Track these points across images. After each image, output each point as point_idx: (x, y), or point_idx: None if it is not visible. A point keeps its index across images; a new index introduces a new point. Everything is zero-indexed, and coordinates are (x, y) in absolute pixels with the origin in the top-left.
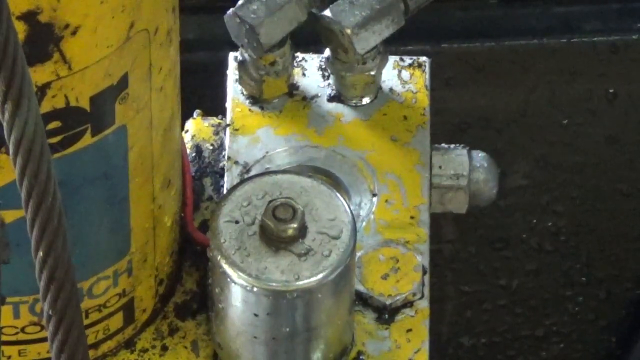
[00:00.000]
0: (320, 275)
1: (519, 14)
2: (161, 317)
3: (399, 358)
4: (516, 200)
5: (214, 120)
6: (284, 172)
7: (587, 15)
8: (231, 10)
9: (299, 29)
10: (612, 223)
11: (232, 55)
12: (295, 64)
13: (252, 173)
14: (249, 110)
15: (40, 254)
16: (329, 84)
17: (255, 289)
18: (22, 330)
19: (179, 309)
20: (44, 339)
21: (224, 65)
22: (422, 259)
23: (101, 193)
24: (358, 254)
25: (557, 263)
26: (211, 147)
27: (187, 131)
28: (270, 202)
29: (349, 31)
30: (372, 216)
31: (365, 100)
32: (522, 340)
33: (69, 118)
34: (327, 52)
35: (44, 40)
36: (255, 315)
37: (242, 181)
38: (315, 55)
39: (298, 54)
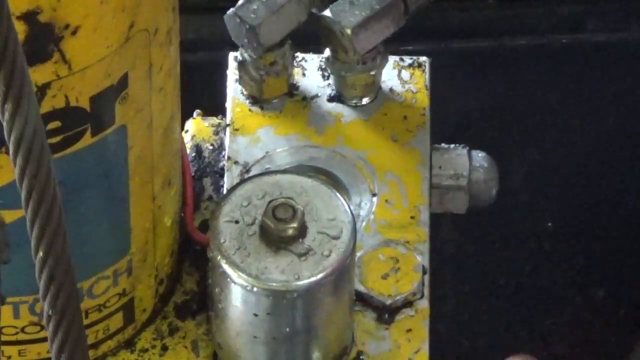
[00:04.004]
0: (320, 275)
1: (519, 13)
2: (161, 317)
3: (399, 358)
4: (516, 200)
5: (214, 120)
6: (284, 172)
7: (587, 15)
8: (231, 10)
9: (299, 29)
10: (612, 223)
11: (232, 55)
12: (295, 64)
13: (252, 173)
14: (249, 110)
15: (40, 254)
16: (329, 84)
17: (255, 289)
18: (22, 330)
19: (179, 309)
20: (43, 339)
21: (224, 65)
22: (422, 259)
23: (101, 193)
24: (358, 254)
25: (556, 263)
26: (211, 147)
27: (187, 131)
28: (270, 202)
29: (349, 31)
30: (372, 216)
31: (365, 100)
32: (522, 340)
33: (69, 118)
34: (327, 52)
35: (44, 40)
36: (255, 315)
37: (242, 181)
38: (315, 55)
39: (298, 54)
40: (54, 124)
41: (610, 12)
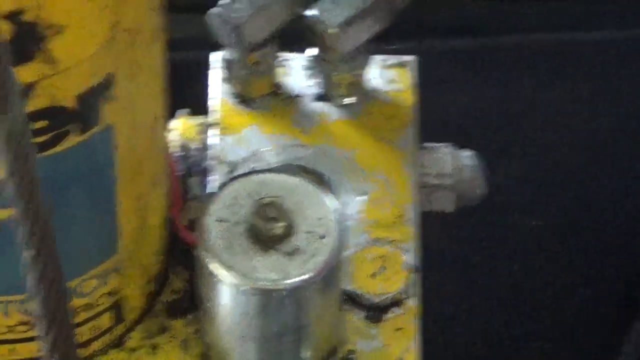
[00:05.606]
0: (308, 274)
1: (518, 12)
2: (151, 316)
3: (389, 357)
4: (513, 199)
5: (200, 119)
6: (271, 171)
7: (587, 15)
8: (214, 9)
9: (286, 29)
10: (611, 223)
11: (213, 55)
12: (280, 63)
13: (238, 172)
14: (235, 109)
15: (30, 252)
16: (314, 83)
17: (243, 288)
18: (12, 329)
19: (168, 308)
20: (34, 338)
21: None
22: (410, 257)
23: (88, 192)
24: (346, 253)
25: (552, 262)
26: (197, 147)
27: (173, 130)
28: (257, 201)
29: (333, 30)
30: (359, 215)
31: (351, 99)
32: (519, 339)
33: (55, 117)
34: (313, 50)
35: (29, 39)
36: (244, 314)
37: (229, 180)
38: (299, 55)
39: (283, 53)
40: (40, 124)
41: (610, 12)
